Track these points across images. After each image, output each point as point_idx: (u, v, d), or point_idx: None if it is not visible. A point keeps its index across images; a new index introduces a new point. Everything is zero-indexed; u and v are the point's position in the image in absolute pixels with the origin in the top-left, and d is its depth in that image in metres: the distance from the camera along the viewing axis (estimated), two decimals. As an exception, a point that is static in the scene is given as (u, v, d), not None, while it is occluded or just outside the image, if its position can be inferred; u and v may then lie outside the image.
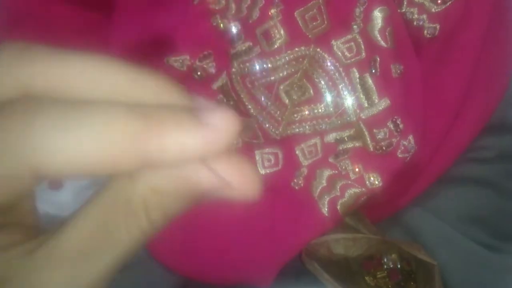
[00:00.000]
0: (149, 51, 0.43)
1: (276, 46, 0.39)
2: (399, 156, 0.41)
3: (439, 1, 0.42)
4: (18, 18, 0.45)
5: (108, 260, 0.17)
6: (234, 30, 0.40)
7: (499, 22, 0.46)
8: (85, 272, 0.17)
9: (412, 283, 0.43)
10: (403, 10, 0.42)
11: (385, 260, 0.43)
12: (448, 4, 0.42)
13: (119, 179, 0.17)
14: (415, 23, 0.42)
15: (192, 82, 0.42)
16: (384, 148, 0.41)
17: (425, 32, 0.42)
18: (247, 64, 0.40)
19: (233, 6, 0.40)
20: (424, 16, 0.42)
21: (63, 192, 0.45)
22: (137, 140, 0.15)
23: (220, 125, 0.16)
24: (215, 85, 0.42)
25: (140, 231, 0.17)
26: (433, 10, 0.42)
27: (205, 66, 0.41)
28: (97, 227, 0.17)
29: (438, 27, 0.42)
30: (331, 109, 0.41)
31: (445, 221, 0.45)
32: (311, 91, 0.41)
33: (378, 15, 0.40)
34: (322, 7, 0.39)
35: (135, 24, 0.43)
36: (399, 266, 0.43)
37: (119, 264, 0.17)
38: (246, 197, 0.17)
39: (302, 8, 0.39)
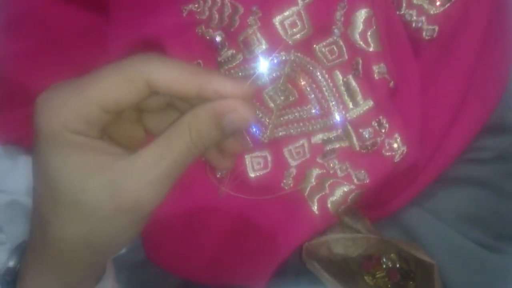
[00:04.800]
0: None
1: (255, 53, 0.41)
2: (386, 154, 0.42)
3: (438, 3, 0.42)
4: (18, 18, 0.45)
5: (168, 163, 0.28)
6: (218, 38, 0.42)
7: (498, 24, 0.46)
8: (154, 171, 0.28)
9: (411, 283, 0.43)
10: (402, 12, 0.42)
11: (384, 259, 0.44)
12: (447, 6, 0.42)
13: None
14: (413, 25, 0.42)
15: None
16: (369, 147, 0.41)
17: (424, 34, 0.43)
18: (232, 71, 0.42)
19: (216, 15, 0.41)
20: (423, 18, 0.42)
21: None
22: (197, 76, 0.29)
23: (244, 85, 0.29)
24: None
25: (185, 146, 0.29)
26: (431, 12, 0.42)
27: None
28: (162, 143, 0.29)
29: (437, 29, 0.42)
30: (317, 111, 0.41)
31: (443, 221, 0.46)
32: (296, 94, 0.42)
33: (358, 18, 0.40)
34: (302, 12, 0.40)
35: (127, 30, 0.44)
36: (398, 265, 0.43)
37: (176, 169, 0.29)
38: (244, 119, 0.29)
39: (281, 15, 0.40)
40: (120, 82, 0.28)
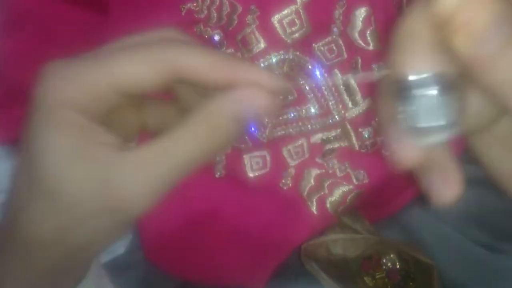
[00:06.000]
0: None
1: (254, 52, 0.40)
2: (386, 154, 0.41)
3: None
4: (17, 18, 0.46)
5: (171, 162, 0.24)
6: (216, 37, 0.41)
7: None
8: (153, 169, 0.24)
9: (411, 284, 0.43)
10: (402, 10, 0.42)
11: (384, 260, 0.43)
12: None
13: None
14: None
15: None
16: (368, 147, 0.41)
17: None
18: None
19: (214, 14, 0.41)
20: None
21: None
22: (232, 65, 0.25)
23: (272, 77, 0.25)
24: None
25: (194, 144, 0.25)
26: None
27: None
28: (167, 140, 0.25)
29: None
30: (316, 110, 0.41)
31: (444, 222, 0.45)
32: (295, 93, 0.41)
33: (357, 17, 0.40)
34: (300, 11, 0.40)
35: (126, 29, 0.43)
36: (398, 266, 0.43)
37: (179, 171, 0.25)
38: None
39: (279, 14, 0.40)
40: (142, 63, 0.25)
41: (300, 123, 0.42)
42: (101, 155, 0.24)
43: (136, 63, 0.25)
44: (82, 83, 0.25)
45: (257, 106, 0.24)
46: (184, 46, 0.25)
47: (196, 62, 0.25)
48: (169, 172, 0.25)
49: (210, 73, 0.25)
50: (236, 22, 0.41)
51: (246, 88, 0.25)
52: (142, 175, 0.24)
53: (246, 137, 0.42)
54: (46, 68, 0.26)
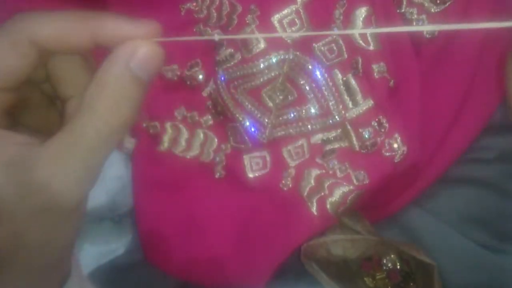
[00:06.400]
0: None
1: (254, 52, 0.40)
2: (386, 154, 0.41)
3: (438, 1, 0.42)
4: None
5: (85, 146, 0.24)
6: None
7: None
8: (71, 158, 0.23)
9: (411, 284, 0.43)
10: (403, 10, 0.42)
11: (385, 261, 0.43)
12: (447, 4, 0.42)
13: None
14: (414, 23, 0.42)
15: (184, 89, 0.43)
16: (369, 147, 0.41)
17: (425, 32, 0.42)
18: (230, 71, 0.41)
19: (214, 14, 0.41)
20: (424, 16, 0.42)
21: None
22: (87, 21, 0.24)
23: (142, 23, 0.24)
24: (205, 92, 0.43)
25: (102, 122, 0.24)
26: (432, 10, 0.42)
27: (193, 74, 0.42)
28: (76, 126, 0.24)
29: None
30: (316, 110, 0.41)
31: (445, 222, 0.45)
32: (295, 94, 0.41)
33: (358, 17, 0.40)
34: (301, 11, 0.39)
35: None
36: (398, 267, 0.43)
37: (98, 151, 0.24)
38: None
39: (279, 14, 0.40)
40: (1, 48, 0.24)
41: (300, 123, 0.42)
42: (15, 156, 0.23)
43: None
44: None
45: (144, 57, 0.24)
46: (36, 16, 0.24)
47: (49, 28, 0.24)
48: (86, 156, 0.24)
49: (70, 36, 0.24)
50: (236, 22, 0.40)
51: (124, 46, 0.24)
52: (61, 166, 0.23)
53: (246, 138, 0.42)
54: None
